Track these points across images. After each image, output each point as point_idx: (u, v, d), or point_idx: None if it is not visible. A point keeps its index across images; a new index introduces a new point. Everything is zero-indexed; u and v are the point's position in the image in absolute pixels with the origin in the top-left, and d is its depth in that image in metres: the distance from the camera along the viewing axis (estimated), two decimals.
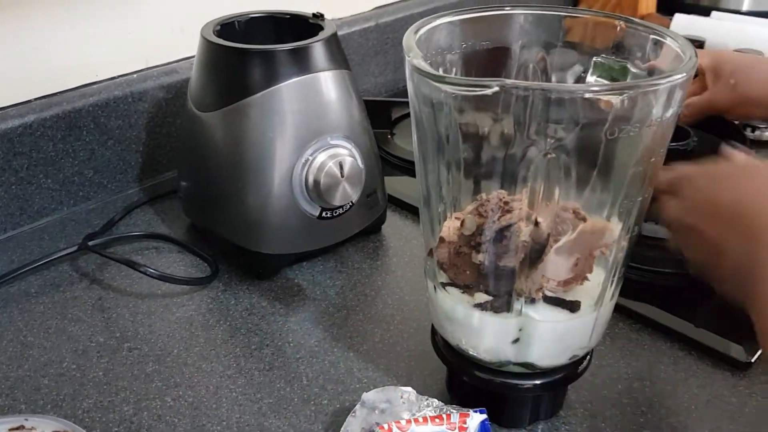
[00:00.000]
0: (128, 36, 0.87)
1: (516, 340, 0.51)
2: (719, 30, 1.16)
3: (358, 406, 0.55)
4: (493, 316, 0.51)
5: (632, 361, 0.64)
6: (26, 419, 0.50)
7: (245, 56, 0.68)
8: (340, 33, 0.74)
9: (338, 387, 0.61)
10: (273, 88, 0.68)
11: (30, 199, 0.81)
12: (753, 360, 0.62)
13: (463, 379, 0.56)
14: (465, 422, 0.52)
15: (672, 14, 1.24)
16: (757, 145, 0.98)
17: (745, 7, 1.37)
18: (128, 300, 0.71)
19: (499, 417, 0.56)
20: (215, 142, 0.71)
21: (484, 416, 0.52)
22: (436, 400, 0.56)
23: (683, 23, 1.20)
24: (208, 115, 0.71)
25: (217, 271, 0.74)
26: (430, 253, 0.54)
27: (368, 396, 0.55)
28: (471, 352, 0.54)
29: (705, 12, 1.24)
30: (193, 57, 0.75)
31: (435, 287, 0.54)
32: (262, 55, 0.68)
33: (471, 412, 0.53)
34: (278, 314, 0.69)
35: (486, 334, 0.52)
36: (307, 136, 0.69)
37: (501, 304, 0.50)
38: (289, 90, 0.68)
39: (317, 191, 0.70)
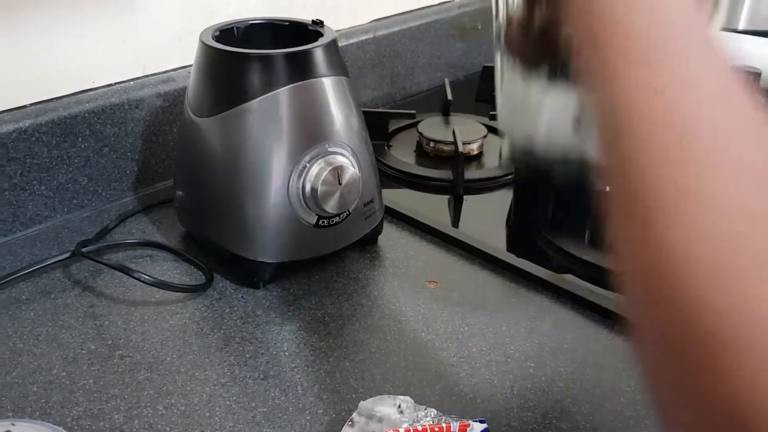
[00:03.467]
0: (125, 43, 0.87)
1: (578, 121, 0.50)
2: None
3: (355, 415, 0.54)
4: (555, 90, 0.50)
5: (634, 373, 0.63)
6: (12, 424, 0.49)
7: (244, 60, 0.68)
8: None
9: (334, 396, 0.60)
10: (271, 93, 0.67)
11: (23, 206, 0.80)
12: None
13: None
14: None
15: None
16: None
17: (741, 26, 1.37)
18: (121, 307, 0.70)
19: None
20: (212, 148, 0.70)
21: (485, 425, 0.51)
22: (434, 409, 0.55)
23: None
24: (205, 121, 0.70)
25: (212, 278, 0.73)
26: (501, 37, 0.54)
27: (365, 404, 0.54)
28: (532, 144, 0.52)
29: None
30: (190, 66, 0.74)
31: (503, 72, 0.53)
32: (260, 59, 0.67)
33: (471, 422, 0.52)
34: (273, 323, 0.68)
35: (544, 112, 0.51)
36: (305, 143, 0.68)
37: (565, 74, 0.49)
38: (287, 95, 0.67)
39: (314, 198, 0.69)
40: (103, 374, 0.62)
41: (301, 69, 0.68)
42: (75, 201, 0.84)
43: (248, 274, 0.73)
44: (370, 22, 1.14)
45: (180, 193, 0.78)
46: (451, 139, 0.95)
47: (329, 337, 0.67)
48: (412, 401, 0.55)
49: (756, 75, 1.00)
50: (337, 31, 1.07)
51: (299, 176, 0.68)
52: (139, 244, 0.79)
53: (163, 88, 0.88)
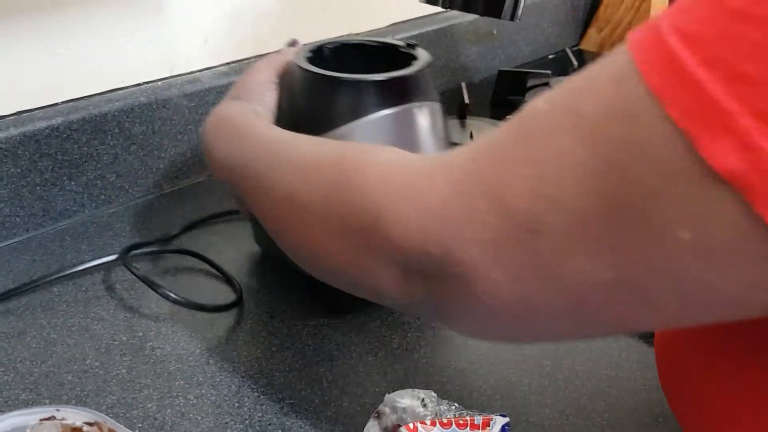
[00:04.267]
0: (153, 45, 0.89)
1: None
2: None
3: (380, 407, 0.56)
4: None
5: (648, 373, 0.65)
6: (57, 410, 0.51)
7: (335, 85, 0.65)
8: None
9: (358, 390, 0.62)
10: (362, 120, 0.64)
11: (53, 201, 0.82)
12: None
13: None
14: (488, 425, 0.53)
15: None
16: None
17: None
18: (150, 301, 0.72)
19: None
20: None
21: (506, 419, 0.53)
22: (456, 403, 0.57)
23: None
24: None
25: (241, 299, 0.72)
26: None
27: (390, 397, 0.56)
28: None
29: None
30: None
31: None
32: (352, 84, 0.65)
33: (493, 416, 0.54)
34: (297, 319, 0.70)
35: None
36: None
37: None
38: (379, 123, 0.64)
39: None
40: (135, 365, 0.64)
41: (394, 96, 0.65)
42: (103, 197, 0.86)
43: (325, 300, 0.72)
44: (388, 26, 1.16)
45: None
46: (468, 141, 0.97)
47: (351, 333, 0.69)
48: (436, 395, 0.57)
49: None
50: (355, 34, 1.09)
51: None
52: (178, 251, 0.79)
53: (189, 88, 0.90)
